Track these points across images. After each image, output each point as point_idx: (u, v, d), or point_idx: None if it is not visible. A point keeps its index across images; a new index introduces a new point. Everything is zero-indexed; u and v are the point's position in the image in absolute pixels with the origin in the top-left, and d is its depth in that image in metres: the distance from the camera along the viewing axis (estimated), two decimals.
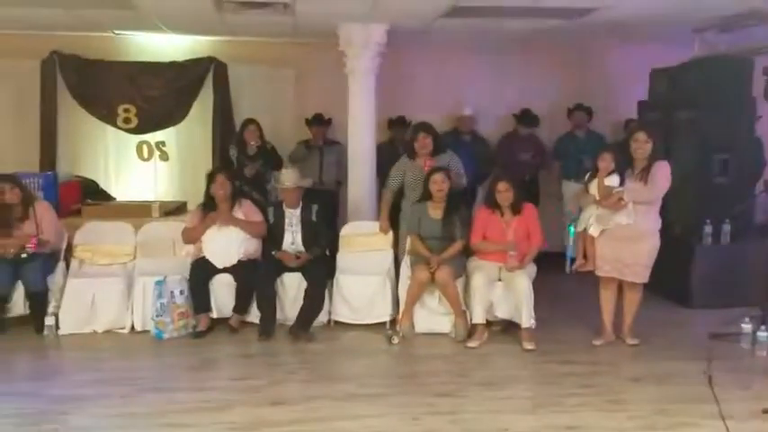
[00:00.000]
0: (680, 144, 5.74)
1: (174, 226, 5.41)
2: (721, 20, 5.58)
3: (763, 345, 4.62)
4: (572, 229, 5.65)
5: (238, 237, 5.14)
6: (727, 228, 5.67)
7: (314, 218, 5.30)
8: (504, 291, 4.85)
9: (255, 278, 5.04)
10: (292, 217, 5.29)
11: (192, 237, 5.18)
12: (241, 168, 6.14)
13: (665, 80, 6.22)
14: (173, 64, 7.09)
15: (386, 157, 6.29)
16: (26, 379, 4.22)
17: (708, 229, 5.67)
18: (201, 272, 5.05)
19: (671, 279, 5.53)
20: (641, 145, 4.52)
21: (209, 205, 5.22)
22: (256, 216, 5.27)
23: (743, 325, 4.82)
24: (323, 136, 7.02)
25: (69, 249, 5.34)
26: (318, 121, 6.99)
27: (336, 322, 5.18)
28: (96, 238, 5.38)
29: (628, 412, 3.59)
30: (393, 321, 5.10)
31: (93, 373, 4.21)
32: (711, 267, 5.66)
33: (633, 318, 4.81)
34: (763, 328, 4.68)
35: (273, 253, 5.18)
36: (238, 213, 5.22)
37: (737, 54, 5.92)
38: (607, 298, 4.81)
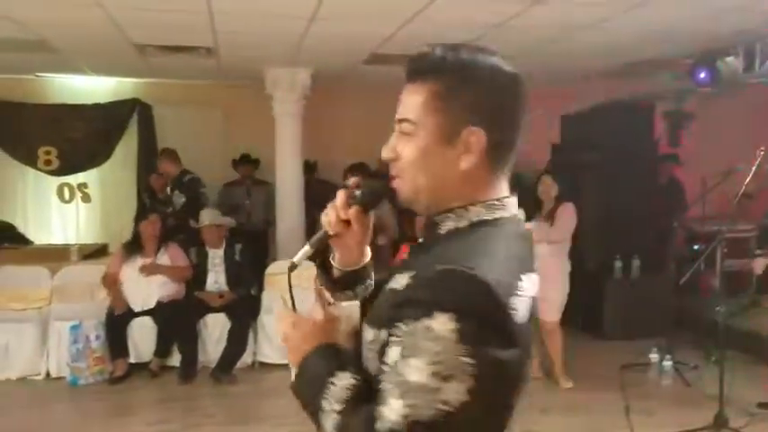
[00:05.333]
0: (588, 184, 6.05)
1: (93, 269, 5.34)
2: (623, 67, 5.97)
3: (667, 373, 4.88)
4: None
5: (158, 280, 5.11)
6: (636, 262, 5.96)
7: (237, 257, 5.31)
8: None
9: (177, 320, 4.99)
10: (215, 257, 5.29)
11: (111, 281, 5.12)
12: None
13: (574, 125, 6.59)
14: (95, 106, 7.04)
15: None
16: None
17: (618, 263, 5.95)
18: (118, 316, 4.98)
19: (586, 312, 5.78)
20: (547, 188, 4.76)
21: (133, 244, 5.20)
22: (182, 261, 5.25)
23: (650, 355, 5.08)
24: (250, 176, 7.07)
25: None
26: (245, 162, 7.04)
27: (261, 363, 5.15)
28: (10, 283, 5.25)
29: None
30: None
31: (2, 422, 4.07)
32: (622, 300, 5.94)
33: (561, 359, 4.80)
34: (668, 357, 4.94)
35: (196, 294, 5.15)
36: (164, 257, 5.20)
37: (639, 99, 6.33)
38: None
